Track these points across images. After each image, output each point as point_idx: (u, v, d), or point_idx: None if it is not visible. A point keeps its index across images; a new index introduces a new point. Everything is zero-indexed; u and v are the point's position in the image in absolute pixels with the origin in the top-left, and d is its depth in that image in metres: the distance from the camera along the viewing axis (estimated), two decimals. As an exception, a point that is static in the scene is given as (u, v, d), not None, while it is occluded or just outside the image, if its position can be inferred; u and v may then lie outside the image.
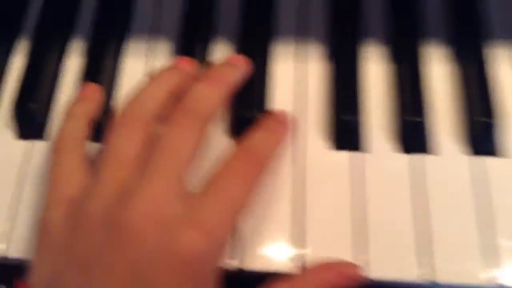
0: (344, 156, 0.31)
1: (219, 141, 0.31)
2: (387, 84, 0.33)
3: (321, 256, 0.28)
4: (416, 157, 0.30)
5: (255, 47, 0.34)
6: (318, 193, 0.30)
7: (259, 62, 0.33)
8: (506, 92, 0.32)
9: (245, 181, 0.27)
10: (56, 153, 0.29)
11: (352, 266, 0.28)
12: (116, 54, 0.35)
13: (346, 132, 0.31)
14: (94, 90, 0.32)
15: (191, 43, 0.34)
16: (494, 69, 0.33)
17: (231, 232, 0.28)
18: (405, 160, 0.30)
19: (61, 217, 0.26)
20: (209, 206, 0.26)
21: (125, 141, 0.27)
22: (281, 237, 0.29)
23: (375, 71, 0.33)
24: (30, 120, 0.32)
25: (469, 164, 0.30)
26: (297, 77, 0.34)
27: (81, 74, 0.34)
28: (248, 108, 0.32)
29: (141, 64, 0.35)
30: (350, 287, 0.27)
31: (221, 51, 0.35)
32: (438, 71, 0.33)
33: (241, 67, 0.32)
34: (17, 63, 0.35)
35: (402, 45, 0.33)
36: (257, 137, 0.30)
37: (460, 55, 0.33)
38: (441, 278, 0.27)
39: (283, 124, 0.31)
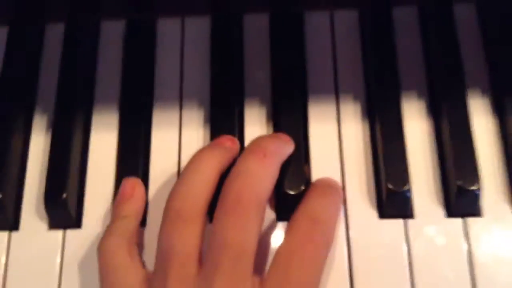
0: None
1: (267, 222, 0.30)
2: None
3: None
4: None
5: (291, 111, 0.32)
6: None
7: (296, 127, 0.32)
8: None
9: (316, 266, 0.27)
10: (107, 259, 0.28)
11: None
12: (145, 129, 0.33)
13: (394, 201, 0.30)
14: (136, 186, 0.30)
15: (222, 111, 0.33)
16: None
17: None
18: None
19: None
20: None
21: (182, 239, 0.26)
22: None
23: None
24: (62, 210, 0.31)
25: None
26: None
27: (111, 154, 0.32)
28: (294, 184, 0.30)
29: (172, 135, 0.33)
30: None
31: (252, 116, 0.33)
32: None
33: (289, 143, 0.31)
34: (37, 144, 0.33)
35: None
36: (319, 208, 0.28)
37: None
38: None
39: (336, 189, 0.30)
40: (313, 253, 0.27)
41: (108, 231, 0.29)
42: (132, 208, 0.30)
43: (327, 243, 0.28)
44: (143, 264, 0.28)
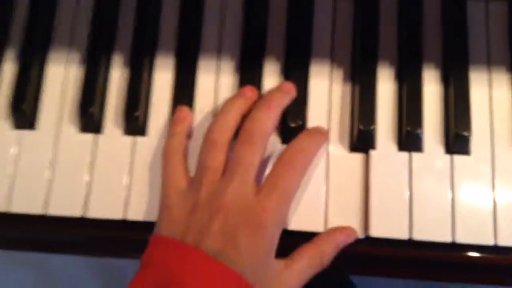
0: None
1: (275, 146, 0.45)
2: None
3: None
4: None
5: (298, 68, 0.46)
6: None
7: (300, 80, 0.46)
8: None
9: (295, 173, 0.41)
10: (167, 159, 0.42)
11: (353, 230, 0.42)
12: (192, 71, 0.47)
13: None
14: (186, 113, 0.44)
15: (250, 61, 0.46)
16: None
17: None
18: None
19: (179, 202, 0.40)
20: (274, 195, 0.40)
21: (213, 158, 0.41)
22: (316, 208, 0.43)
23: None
24: (135, 123, 0.45)
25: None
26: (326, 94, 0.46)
27: (171, 87, 0.46)
28: (294, 119, 0.44)
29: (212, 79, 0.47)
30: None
31: (271, 69, 0.47)
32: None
33: (290, 93, 0.44)
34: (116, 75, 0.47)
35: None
36: (302, 140, 0.43)
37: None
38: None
39: (322, 133, 0.44)
40: (291, 172, 0.41)
41: (168, 140, 0.43)
42: (184, 127, 0.44)
43: (304, 167, 0.42)
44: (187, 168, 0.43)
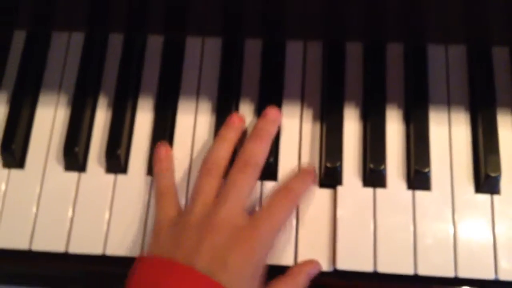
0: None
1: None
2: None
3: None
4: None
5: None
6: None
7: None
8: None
9: (286, 211, 0.44)
10: (159, 197, 0.46)
11: (318, 262, 0.44)
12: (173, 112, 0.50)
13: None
14: (167, 149, 0.47)
15: (226, 102, 0.50)
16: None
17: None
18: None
19: (169, 226, 0.43)
20: (267, 221, 0.42)
21: (207, 184, 0.44)
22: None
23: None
24: (117, 161, 0.48)
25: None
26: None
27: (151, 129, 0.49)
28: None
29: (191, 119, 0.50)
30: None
31: (245, 109, 0.50)
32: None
33: (277, 120, 0.47)
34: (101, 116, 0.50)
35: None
36: (294, 182, 0.45)
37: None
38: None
39: (309, 173, 0.47)
40: (283, 207, 0.44)
41: (157, 179, 0.46)
42: (169, 163, 0.47)
43: (291, 206, 0.44)
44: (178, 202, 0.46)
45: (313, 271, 0.44)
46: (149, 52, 0.52)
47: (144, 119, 0.50)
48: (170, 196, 0.45)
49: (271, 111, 0.48)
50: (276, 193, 0.45)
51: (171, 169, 0.47)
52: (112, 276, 0.47)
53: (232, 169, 0.44)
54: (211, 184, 0.44)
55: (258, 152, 0.45)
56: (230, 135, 0.47)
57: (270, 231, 0.42)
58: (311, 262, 0.45)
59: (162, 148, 0.47)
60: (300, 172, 0.47)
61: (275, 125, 0.47)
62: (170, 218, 0.44)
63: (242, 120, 0.48)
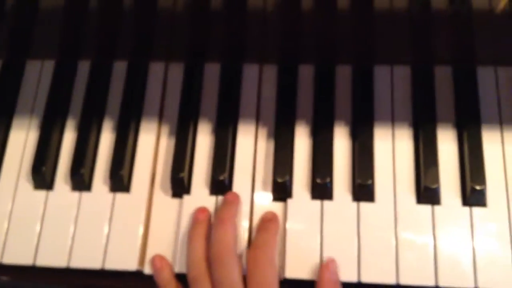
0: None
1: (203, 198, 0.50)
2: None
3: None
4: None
5: (227, 127, 0.52)
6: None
7: (228, 138, 0.52)
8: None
9: (266, 268, 0.45)
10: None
11: (330, 259, 0.46)
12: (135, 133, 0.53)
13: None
14: (161, 259, 0.49)
15: (186, 122, 0.53)
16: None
17: None
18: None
19: None
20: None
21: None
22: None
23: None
24: (81, 179, 0.51)
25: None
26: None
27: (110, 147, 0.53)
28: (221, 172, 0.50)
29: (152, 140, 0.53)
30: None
31: (204, 128, 0.53)
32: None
33: (235, 201, 0.49)
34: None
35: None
36: (259, 236, 0.48)
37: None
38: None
39: (272, 220, 0.49)
40: (260, 268, 0.45)
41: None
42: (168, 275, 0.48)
43: (269, 260, 0.46)
44: None
45: (332, 273, 0.46)
46: (114, 77, 0.56)
47: (107, 140, 0.53)
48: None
49: (228, 195, 0.50)
50: (249, 256, 0.46)
51: (172, 278, 0.48)
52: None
53: (212, 267, 0.45)
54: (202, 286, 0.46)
55: (224, 235, 0.46)
56: (199, 232, 0.48)
57: None
58: (324, 268, 0.46)
59: (157, 260, 0.48)
60: (262, 223, 0.49)
61: (235, 206, 0.49)
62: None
63: (205, 211, 0.49)
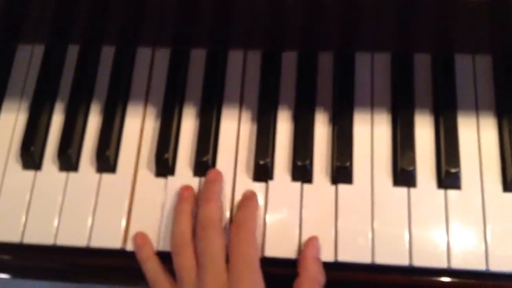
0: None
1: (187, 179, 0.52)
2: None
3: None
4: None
5: (211, 111, 0.54)
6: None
7: (212, 121, 0.53)
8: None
9: (247, 239, 0.47)
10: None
11: (314, 238, 0.48)
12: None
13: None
14: (143, 238, 0.50)
15: (171, 105, 0.54)
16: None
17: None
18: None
19: None
20: (238, 266, 0.45)
21: (183, 259, 0.47)
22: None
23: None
24: (69, 160, 0.52)
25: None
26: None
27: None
28: (204, 154, 0.52)
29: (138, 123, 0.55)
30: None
31: (188, 112, 0.55)
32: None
33: (218, 178, 0.50)
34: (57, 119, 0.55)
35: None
36: (240, 213, 0.49)
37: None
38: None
39: (251, 198, 0.50)
40: (241, 243, 0.46)
41: (144, 271, 0.49)
42: (149, 251, 0.49)
43: (250, 235, 0.47)
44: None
45: (317, 250, 0.47)
46: (102, 61, 0.57)
47: (94, 122, 0.55)
48: (161, 283, 0.48)
49: (210, 173, 0.51)
50: (231, 232, 0.48)
51: (152, 255, 0.49)
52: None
53: (196, 239, 0.47)
54: (187, 258, 0.47)
55: (210, 213, 0.48)
56: (184, 208, 0.49)
57: (247, 271, 0.45)
58: (308, 246, 0.48)
59: (138, 237, 0.50)
60: (242, 200, 0.50)
61: (218, 183, 0.50)
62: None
63: (189, 189, 0.51)
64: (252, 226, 0.48)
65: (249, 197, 0.50)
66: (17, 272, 0.53)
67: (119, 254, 0.51)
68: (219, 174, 0.51)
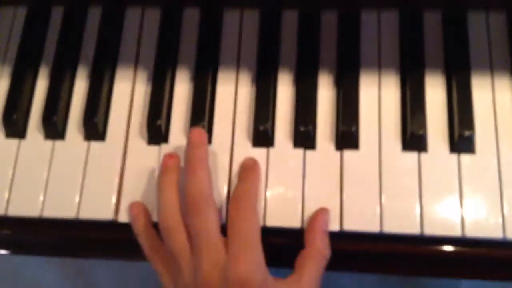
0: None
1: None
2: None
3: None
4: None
5: (206, 74, 0.50)
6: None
7: (207, 85, 0.50)
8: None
9: (249, 219, 0.43)
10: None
11: (323, 209, 0.44)
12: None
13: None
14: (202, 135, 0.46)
15: (163, 69, 0.51)
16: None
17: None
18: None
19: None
20: (236, 244, 0.41)
21: (176, 242, 0.43)
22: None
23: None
24: (54, 127, 0.49)
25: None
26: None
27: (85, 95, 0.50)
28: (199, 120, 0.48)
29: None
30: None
31: (181, 75, 0.51)
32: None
33: (201, 141, 0.45)
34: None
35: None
36: (240, 188, 0.45)
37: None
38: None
39: (252, 168, 0.46)
40: (242, 219, 0.42)
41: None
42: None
43: (251, 210, 0.43)
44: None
45: (326, 222, 0.44)
46: (89, 23, 0.53)
47: (81, 88, 0.51)
48: (157, 259, 0.45)
49: (193, 135, 0.45)
50: (230, 207, 0.44)
51: (149, 227, 0.46)
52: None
53: (187, 216, 0.43)
54: (179, 240, 0.43)
55: (199, 186, 0.43)
56: (168, 179, 0.45)
57: (246, 249, 0.41)
58: (317, 218, 0.44)
59: (134, 207, 0.46)
60: (242, 172, 0.46)
61: (203, 146, 0.45)
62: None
63: (173, 157, 0.46)
64: (253, 201, 0.44)
65: (250, 167, 0.46)
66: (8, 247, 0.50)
67: (111, 226, 0.48)
68: (203, 134, 0.45)
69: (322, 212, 0.45)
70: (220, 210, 0.45)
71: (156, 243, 0.45)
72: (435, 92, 0.48)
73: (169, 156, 0.46)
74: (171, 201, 0.44)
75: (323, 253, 0.44)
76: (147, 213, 0.46)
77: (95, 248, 0.49)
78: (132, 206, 0.46)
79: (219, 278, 0.40)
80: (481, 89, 0.48)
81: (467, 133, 0.46)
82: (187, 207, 0.43)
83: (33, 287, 1.20)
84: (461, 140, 0.46)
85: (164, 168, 0.46)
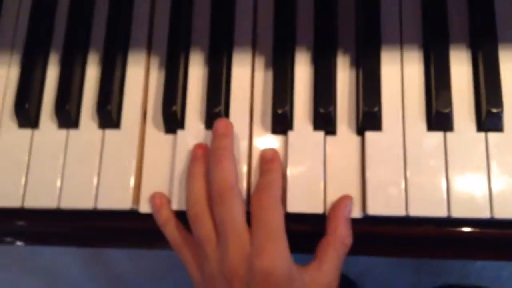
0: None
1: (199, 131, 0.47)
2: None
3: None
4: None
5: (221, 56, 0.48)
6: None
7: (222, 68, 0.48)
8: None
9: (273, 211, 0.42)
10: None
11: (346, 196, 0.44)
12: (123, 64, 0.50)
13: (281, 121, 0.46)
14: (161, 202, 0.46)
15: (176, 52, 0.49)
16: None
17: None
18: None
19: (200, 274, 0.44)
20: (261, 235, 0.40)
21: (203, 229, 0.42)
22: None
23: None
24: (68, 116, 0.48)
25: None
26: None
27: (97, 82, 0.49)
28: (216, 105, 0.47)
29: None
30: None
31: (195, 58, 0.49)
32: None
33: (228, 132, 0.45)
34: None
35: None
36: (263, 179, 0.44)
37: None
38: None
39: (272, 159, 0.45)
40: (264, 211, 0.41)
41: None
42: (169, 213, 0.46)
43: (274, 202, 0.42)
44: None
45: (349, 210, 0.43)
46: (98, 6, 0.51)
47: (93, 74, 0.50)
48: (183, 248, 0.45)
49: (219, 125, 0.45)
50: (254, 198, 0.43)
51: (172, 216, 0.46)
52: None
53: (213, 205, 0.43)
54: (206, 227, 0.43)
55: (224, 174, 0.43)
56: (197, 169, 0.45)
57: (270, 240, 0.40)
58: (340, 205, 0.43)
59: (157, 197, 0.46)
60: (263, 164, 0.45)
61: (229, 137, 0.45)
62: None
63: (202, 147, 0.46)
64: (276, 191, 0.43)
65: (271, 159, 0.45)
66: (27, 238, 0.49)
67: (129, 216, 0.47)
68: (229, 125, 0.45)
69: (345, 200, 0.43)
70: (242, 196, 0.44)
71: (183, 233, 0.45)
72: (460, 68, 0.46)
73: (199, 146, 0.46)
74: (199, 189, 0.44)
75: (345, 241, 0.43)
76: (169, 203, 0.46)
77: (113, 238, 0.49)
78: (155, 197, 0.46)
79: (244, 268, 0.40)
80: (509, 63, 0.46)
81: (494, 110, 0.44)
82: (213, 196, 0.43)
83: (50, 268, 1.22)
84: (489, 117, 0.44)
85: (193, 158, 0.46)
